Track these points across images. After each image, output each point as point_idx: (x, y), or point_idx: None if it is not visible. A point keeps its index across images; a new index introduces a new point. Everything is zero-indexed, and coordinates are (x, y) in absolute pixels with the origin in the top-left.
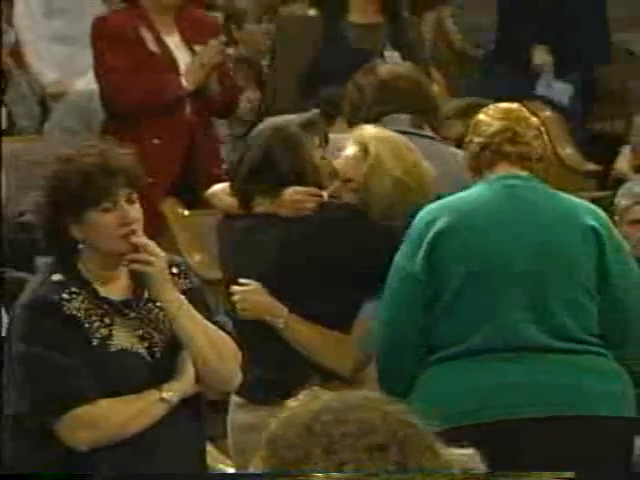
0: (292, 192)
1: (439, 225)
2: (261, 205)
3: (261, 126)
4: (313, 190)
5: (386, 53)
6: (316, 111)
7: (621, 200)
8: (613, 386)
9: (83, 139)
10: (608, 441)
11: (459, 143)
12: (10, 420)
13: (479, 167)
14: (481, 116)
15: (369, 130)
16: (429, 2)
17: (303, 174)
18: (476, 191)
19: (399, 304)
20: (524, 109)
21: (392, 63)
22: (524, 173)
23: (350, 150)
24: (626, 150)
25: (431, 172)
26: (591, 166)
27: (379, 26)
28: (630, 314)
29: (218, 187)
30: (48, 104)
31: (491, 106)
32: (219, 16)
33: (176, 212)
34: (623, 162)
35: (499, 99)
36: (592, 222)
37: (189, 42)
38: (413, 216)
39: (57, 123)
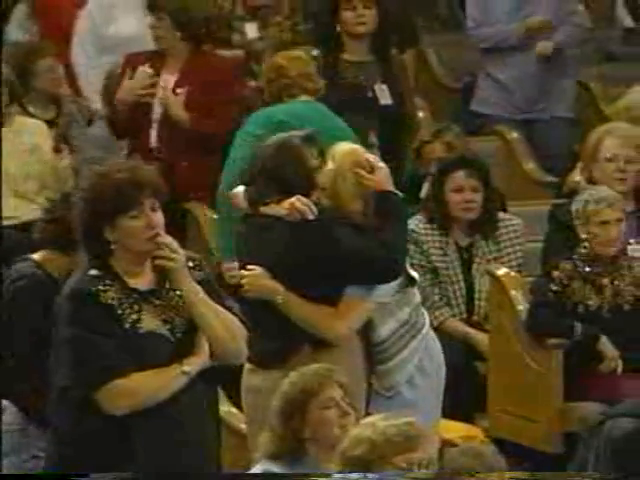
0: (295, 200)
1: (280, 118)
2: (267, 207)
3: (268, 141)
4: (309, 201)
5: (376, 86)
6: (315, 128)
7: (588, 205)
8: None
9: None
10: None
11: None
12: (57, 392)
13: (281, 96)
14: (281, 61)
15: (338, 146)
16: (410, 41)
17: (305, 180)
18: (296, 106)
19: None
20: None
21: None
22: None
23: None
24: (580, 165)
25: (385, 170)
26: (549, 178)
27: (370, 63)
28: None
29: (239, 189)
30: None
31: (284, 54)
32: (240, 53)
33: (205, 215)
34: (577, 175)
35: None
36: None
37: (183, 83)
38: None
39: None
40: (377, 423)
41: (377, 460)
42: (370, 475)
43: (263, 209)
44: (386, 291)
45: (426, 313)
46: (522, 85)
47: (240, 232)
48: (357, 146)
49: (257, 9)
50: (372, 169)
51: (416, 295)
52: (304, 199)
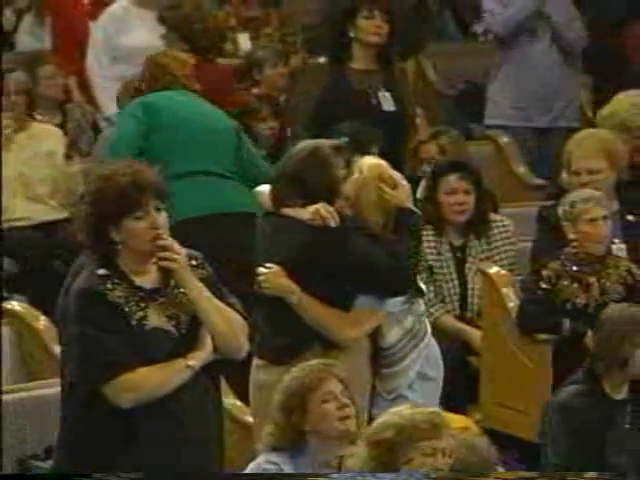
0: (321, 206)
1: (151, 99)
2: (290, 209)
3: (300, 146)
4: (333, 210)
5: (379, 93)
6: (344, 139)
7: (576, 205)
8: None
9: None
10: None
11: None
12: (66, 387)
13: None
14: (166, 59)
15: (365, 159)
16: (413, 50)
17: (329, 188)
18: (168, 92)
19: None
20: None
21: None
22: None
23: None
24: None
25: (407, 187)
26: (539, 181)
27: (375, 72)
28: None
29: (264, 188)
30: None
31: (167, 52)
32: (237, 62)
33: None
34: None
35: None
36: None
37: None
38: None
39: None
40: (404, 410)
41: (403, 442)
42: (379, 474)
43: (285, 210)
44: (396, 300)
45: (427, 322)
46: (535, 93)
47: (260, 230)
48: (383, 162)
49: (250, 20)
50: (395, 185)
51: (421, 306)
52: (329, 207)
